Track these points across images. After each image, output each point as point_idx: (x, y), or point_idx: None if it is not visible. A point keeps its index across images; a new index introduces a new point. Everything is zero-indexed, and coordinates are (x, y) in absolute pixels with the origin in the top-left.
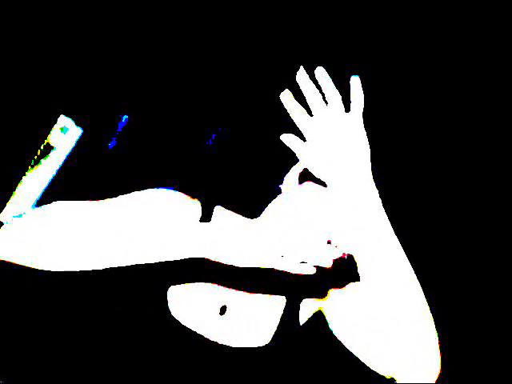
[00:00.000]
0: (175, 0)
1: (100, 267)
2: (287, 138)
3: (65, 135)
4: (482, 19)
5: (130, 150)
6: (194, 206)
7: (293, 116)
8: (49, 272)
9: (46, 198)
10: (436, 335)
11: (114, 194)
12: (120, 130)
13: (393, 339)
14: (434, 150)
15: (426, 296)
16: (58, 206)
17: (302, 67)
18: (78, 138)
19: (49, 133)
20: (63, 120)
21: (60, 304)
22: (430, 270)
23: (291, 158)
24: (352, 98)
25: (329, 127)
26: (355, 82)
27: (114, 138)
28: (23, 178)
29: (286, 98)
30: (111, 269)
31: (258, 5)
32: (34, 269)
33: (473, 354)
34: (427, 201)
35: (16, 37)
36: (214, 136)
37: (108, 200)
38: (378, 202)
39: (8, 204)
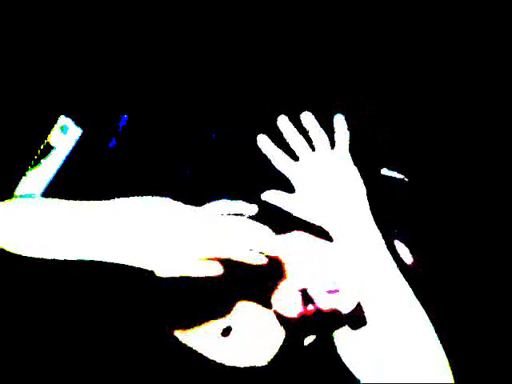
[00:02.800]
0: (175, 0)
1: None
2: (271, 196)
3: (65, 135)
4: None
5: (130, 150)
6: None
7: (275, 163)
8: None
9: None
10: (452, 379)
11: (114, 193)
12: (120, 130)
13: (398, 358)
14: (432, 182)
15: (438, 329)
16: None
17: (282, 115)
18: (78, 138)
19: (49, 133)
20: (63, 120)
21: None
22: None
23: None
24: (337, 137)
25: (317, 170)
26: (339, 120)
27: (114, 138)
28: (23, 177)
29: (264, 143)
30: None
31: (257, 5)
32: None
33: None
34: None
35: (16, 37)
36: (214, 136)
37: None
38: (382, 244)
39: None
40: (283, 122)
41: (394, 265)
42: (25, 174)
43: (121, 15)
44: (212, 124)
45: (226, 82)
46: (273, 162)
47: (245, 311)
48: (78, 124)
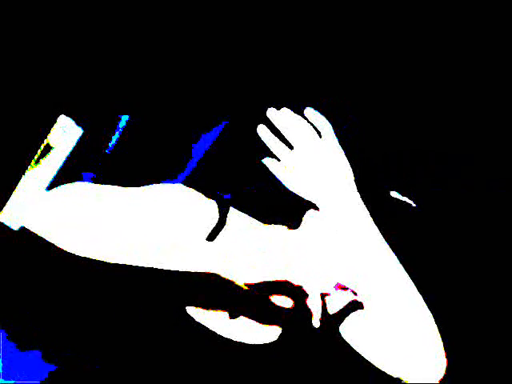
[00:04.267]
0: (175, 0)
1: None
2: (270, 163)
3: (65, 135)
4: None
5: (130, 150)
6: (211, 207)
7: (273, 150)
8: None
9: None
10: (440, 337)
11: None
12: (120, 130)
13: (398, 340)
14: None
15: (426, 298)
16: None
17: (271, 108)
18: (78, 138)
19: (49, 133)
20: (63, 120)
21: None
22: (429, 277)
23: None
24: (320, 128)
25: (310, 155)
26: (309, 113)
27: (114, 138)
28: (23, 177)
29: (263, 132)
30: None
31: (256, 5)
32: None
33: (476, 355)
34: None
35: (16, 37)
36: (214, 136)
37: (130, 190)
38: (368, 220)
39: (7, 204)
40: (274, 115)
41: (383, 241)
42: (25, 174)
43: (121, 15)
44: (213, 123)
45: (227, 81)
46: (270, 149)
47: (252, 299)
48: (78, 124)
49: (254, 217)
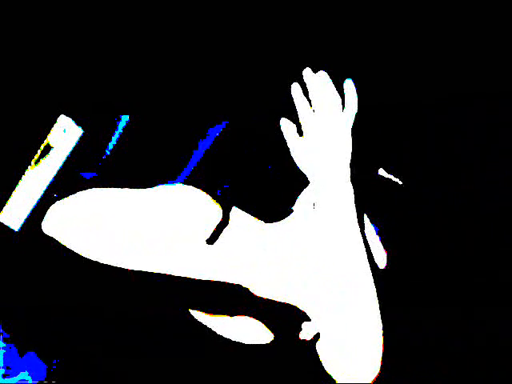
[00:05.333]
0: (175, 0)
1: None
2: (285, 124)
3: (65, 135)
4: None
5: (130, 150)
6: (214, 207)
7: (298, 108)
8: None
9: (45, 199)
10: (380, 338)
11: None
12: (120, 130)
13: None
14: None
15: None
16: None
17: (308, 68)
18: (78, 138)
19: (49, 133)
20: (63, 120)
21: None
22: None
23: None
24: (346, 101)
25: (324, 126)
26: (349, 86)
27: (114, 138)
28: (23, 177)
29: (296, 90)
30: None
31: (257, 4)
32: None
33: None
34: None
35: (16, 37)
36: (214, 136)
37: (133, 193)
38: (351, 202)
39: (7, 204)
40: (308, 77)
41: (356, 226)
42: (25, 174)
43: (121, 15)
44: (213, 123)
45: (229, 81)
46: (296, 106)
47: (252, 298)
48: (78, 124)
49: (255, 215)
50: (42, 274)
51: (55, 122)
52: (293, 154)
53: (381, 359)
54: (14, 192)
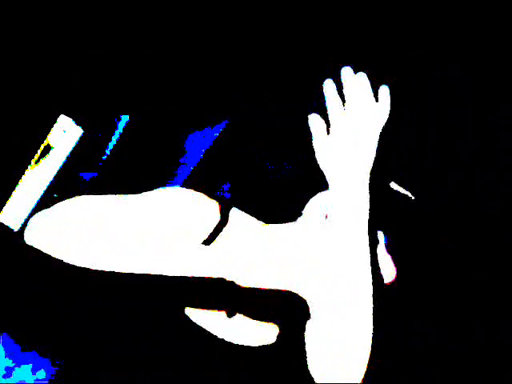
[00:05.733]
0: (175, 0)
1: (112, 268)
2: (314, 119)
3: (65, 135)
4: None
5: (130, 150)
6: (213, 207)
7: (329, 106)
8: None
9: (45, 199)
10: (369, 343)
11: (114, 194)
12: (120, 130)
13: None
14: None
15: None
16: (87, 200)
17: (348, 67)
18: (78, 138)
19: (49, 133)
20: (63, 120)
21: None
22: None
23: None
24: (379, 107)
25: (353, 128)
26: (385, 92)
27: (114, 138)
28: (23, 177)
29: (329, 87)
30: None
31: (256, 5)
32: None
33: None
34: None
35: (16, 37)
36: (214, 136)
37: (131, 197)
38: (365, 209)
39: (7, 204)
40: (346, 74)
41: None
42: (25, 174)
43: (121, 16)
44: (212, 123)
45: (225, 81)
46: (327, 102)
47: (250, 295)
48: (78, 124)
49: (255, 216)
50: (42, 273)
51: (55, 121)
52: (317, 152)
53: (368, 362)
54: (14, 192)
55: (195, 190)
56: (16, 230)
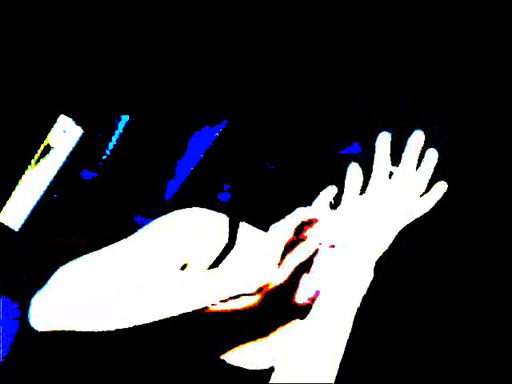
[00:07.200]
0: (175, 0)
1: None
2: (353, 171)
3: (65, 135)
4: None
5: (130, 150)
6: (218, 228)
7: (377, 161)
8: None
9: (45, 199)
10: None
11: (114, 194)
12: (120, 130)
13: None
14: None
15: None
16: (79, 270)
17: (421, 132)
18: (78, 138)
19: (49, 133)
20: (63, 120)
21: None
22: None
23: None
24: (425, 200)
25: (390, 199)
26: (440, 190)
27: (114, 138)
28: (23, 177)
29: (384, 140)
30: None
31: (256, 5)
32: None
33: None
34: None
35: (16, 37)
36: (214, 136)
37: (119, 248)
38: (362, 288)
39: (7, 204)
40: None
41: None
42: (25, 174)
43: (121, 16)
44: (212, 123)
45: (225, 81)
46: (375, 165)
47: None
48: (78, 124)
49: (255, 217)
50: (42, 273)
51: (55, 122)
52: (342, 207)
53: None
54: (13, 192)
55: (195, 190)
56: (16, 230)
